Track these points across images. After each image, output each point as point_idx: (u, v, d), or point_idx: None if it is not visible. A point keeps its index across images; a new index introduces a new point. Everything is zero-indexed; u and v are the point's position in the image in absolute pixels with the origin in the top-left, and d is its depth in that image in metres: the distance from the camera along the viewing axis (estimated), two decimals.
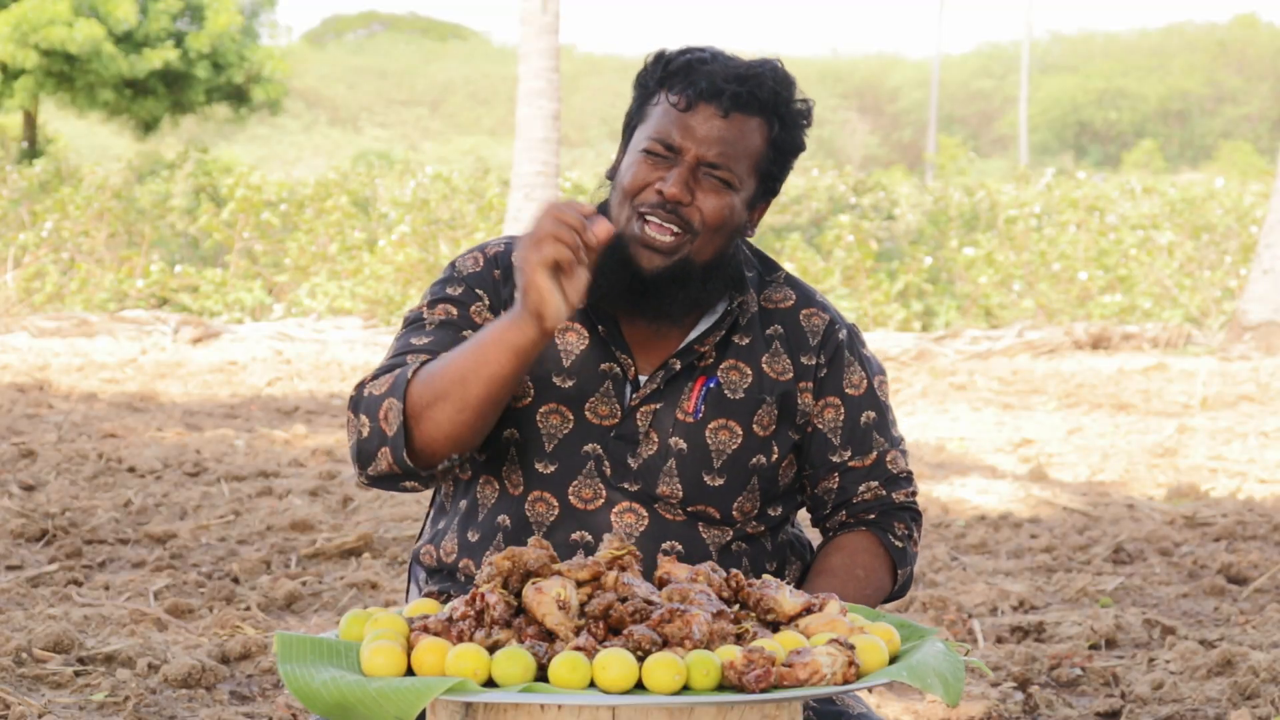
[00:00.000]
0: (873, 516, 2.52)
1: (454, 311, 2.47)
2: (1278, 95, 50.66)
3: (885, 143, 52.29)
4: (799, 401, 2.50)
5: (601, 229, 2.17)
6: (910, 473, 2.56)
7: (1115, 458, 8.44)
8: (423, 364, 2.34)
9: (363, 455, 2.36)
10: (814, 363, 2.51)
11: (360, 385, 2.41)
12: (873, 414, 2.53)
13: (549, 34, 14.55)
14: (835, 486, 2.52)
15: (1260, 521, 6.43)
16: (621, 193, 2.42)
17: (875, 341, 14.85)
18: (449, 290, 2.50)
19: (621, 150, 2.48)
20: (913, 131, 52.57)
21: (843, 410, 2.52)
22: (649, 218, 2.39)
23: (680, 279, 2.40)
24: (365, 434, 2.35)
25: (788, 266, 16.76)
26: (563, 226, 2.15)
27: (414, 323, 2.49)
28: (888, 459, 2.53)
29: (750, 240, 2.59)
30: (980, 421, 10.05)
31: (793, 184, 20.05)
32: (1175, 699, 4.07)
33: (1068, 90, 51.32)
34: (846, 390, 2.53)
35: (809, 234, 18.90)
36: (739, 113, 2.39)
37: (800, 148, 2.48)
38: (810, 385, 2.51)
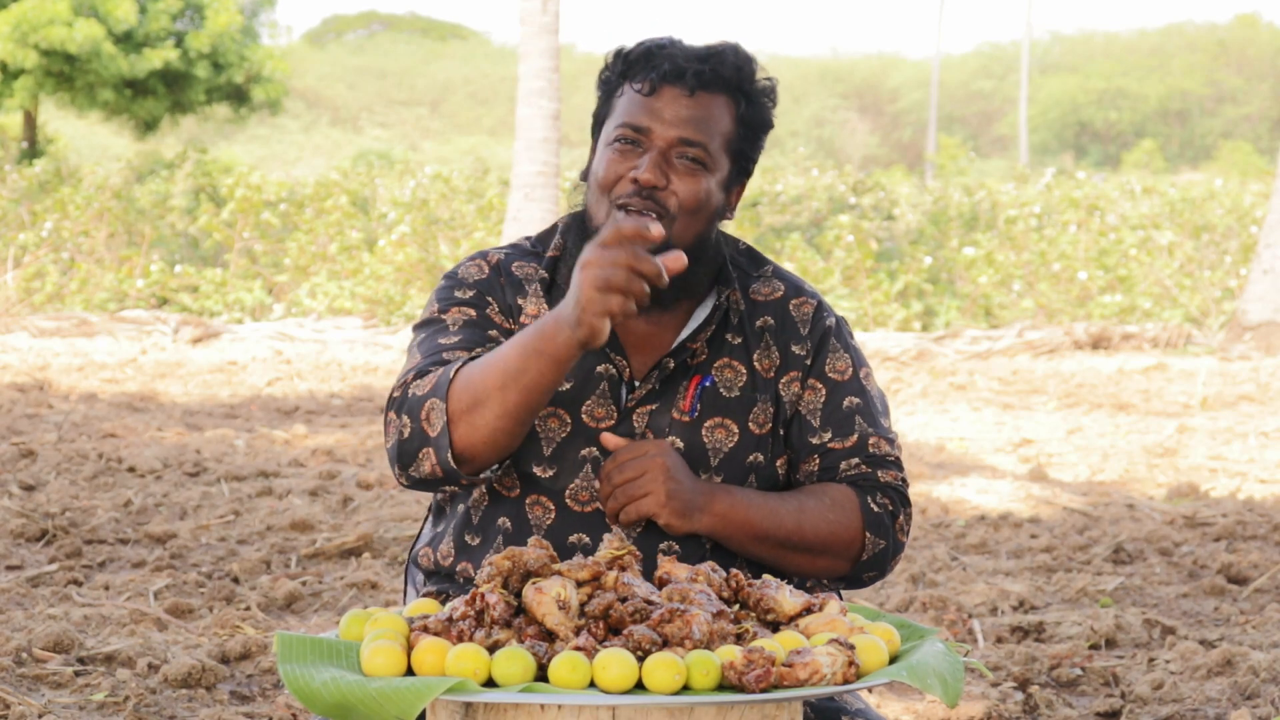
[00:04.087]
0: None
1: (471, 313, 2.47)
2: (1278, 95, 50.65)
3: (885, 143, 52.30)
4: (785, 394, 2.49)
5: (673, 264, 2.14)
6: (899, 460, 2.49)
7: (1115, 458, 8.43)
8: (464, 364, 2.33)
9: (404, 455, 2.34)
10: (804, 351, 2.51)
11: (403, 386, 2.37)
12: (857, 400, 2.49)
13: (549, 34, 14.54)
14: (816, 468, 2.47)
15: (1260, 521, 6.43)
16: (597, 188, 2.43)
17: (875, 341, 14.85)
18: (458, 294, 2.49)
19: (592, 151, 2.49)
20: (913, 131, 52.57)
21: (823, 392, 2.49)
22: (628, 208, 2.40)
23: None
24: (406, 434, 2.33)
25: (787, 266, 16.76)
26: (636, 280, 2.11)
27: (432, 324, 2.47)
28: (870, 441, 2.47)
29: (747, 239, 2.60)
30: (980, 421, 10.05)
31: (793, 184, 20.04)
32: (1175, 699, 4.07)
33: (1068, 90, 51.32)
34: (829, 374, 2.50)
35: (809, 234, 18.90)
36: (704, 91, 2.40)
37: (769, 124, 2.48)
38: (799, 375, 2.50)
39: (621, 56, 2.45)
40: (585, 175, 2.48)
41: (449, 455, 2.30)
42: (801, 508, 2.40)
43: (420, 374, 2.37)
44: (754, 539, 2.38)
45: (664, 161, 2.39)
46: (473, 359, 2.35)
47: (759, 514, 2.37)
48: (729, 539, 2.38)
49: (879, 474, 2.46)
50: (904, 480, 2.48)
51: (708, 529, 2.36)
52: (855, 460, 2.46)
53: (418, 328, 2.49)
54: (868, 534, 2.42)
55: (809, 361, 2.51)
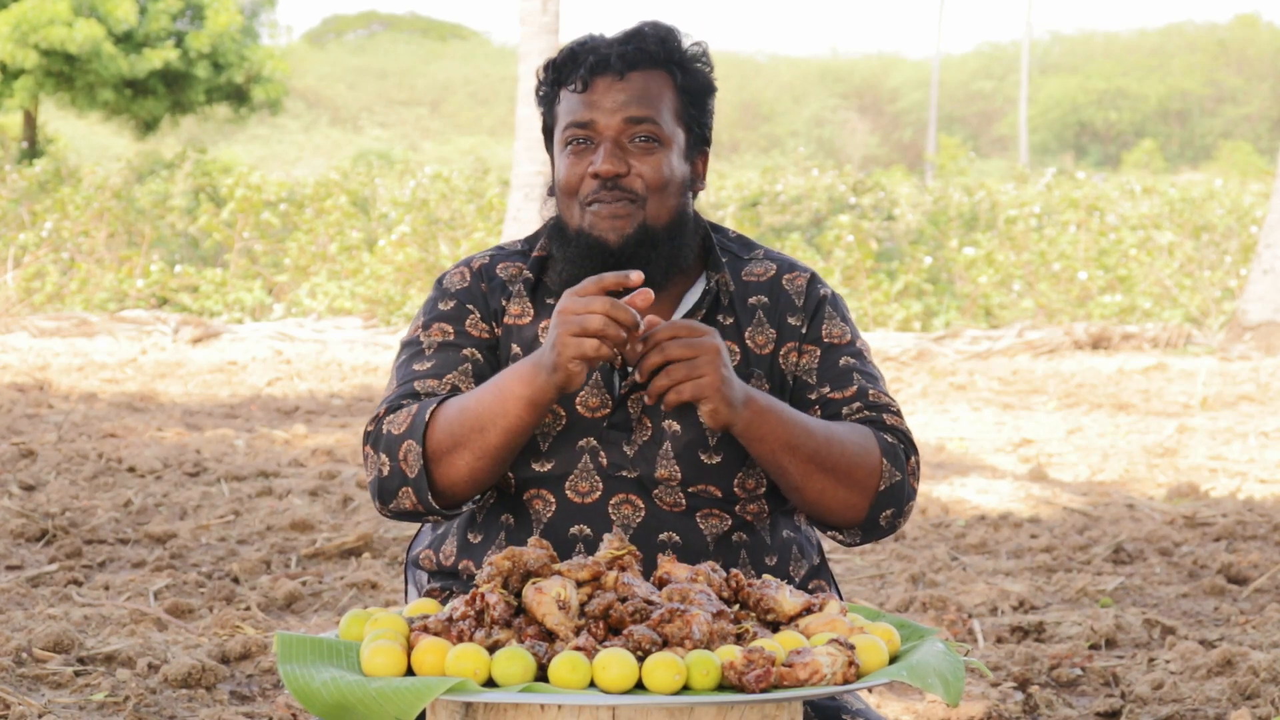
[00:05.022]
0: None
1: (450, 329, 2.50)
2: (1278, 95, 50.65)
3: (885, 143, 52.29)
4: (785, 366, 2.50)
5: (642, 302, 2.22)
6: (900, 412, 2.48)
7: (1115, 458, 8.43)
8: (440, 402, 2.36)
9: (384, 493, 2.39)
10: (799, 321, 2.52)
11: (376, 420, 2.41)
12: (853, 360, 2.50)
13: (549, 34, 14.54)
14: (819, 417, 2.47)
15: (1260, 521, 6.43)
16: (563, 193, 2.46)
17: (875, 341, 14.84)
18: (441, 306, 2.53)
19: (553, 164, 2.52)
20: (913, 131, 52.56)
21: (818, 354, 2.50)
22: (598, 203, 2.42)
23: (647, 243, 2.43)
24: (386, 473, 2.38)
25: None
26: (613, 325, 2.18)
27: (412, 346, 2.51)
28: (870, 393, 2.47)
29: (740, 230, 2.62)
30: (980, 421, 10.05)
31: (793, 184, 20.03)
32: (1175, 699, 4.07)
33: (1068, 90, 51.31)
34: (825, 339, 2.52)
35: (809, 234, 18.89)
36: (635, 71, 2.43)
37: (711, 87, 2.50)
38: (795, 344, 2.51)
39: (550, 66, 2.48)
40: (553, 189, 2.51)
41: (429, 495, 2.35)
42: (828, 426, 2.38)
43: (392, 409, 2.41)
44: (785, 446, 2.33)
45: (618, 149, 2.42)
46: (447, 397, 2.38)
47: (791, 420, 2.33)
48: (761, 440, 2.32)
49: (884, 418, 2.45)
50: (908, 431, 2.47)
51: (744, 425, 2.30)
52: (857, 405, 2.46)
53: (402, 345, 2.54)
54: (885, 461, 2.39)
55: (804, 330, 2.52)
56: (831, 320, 2.53)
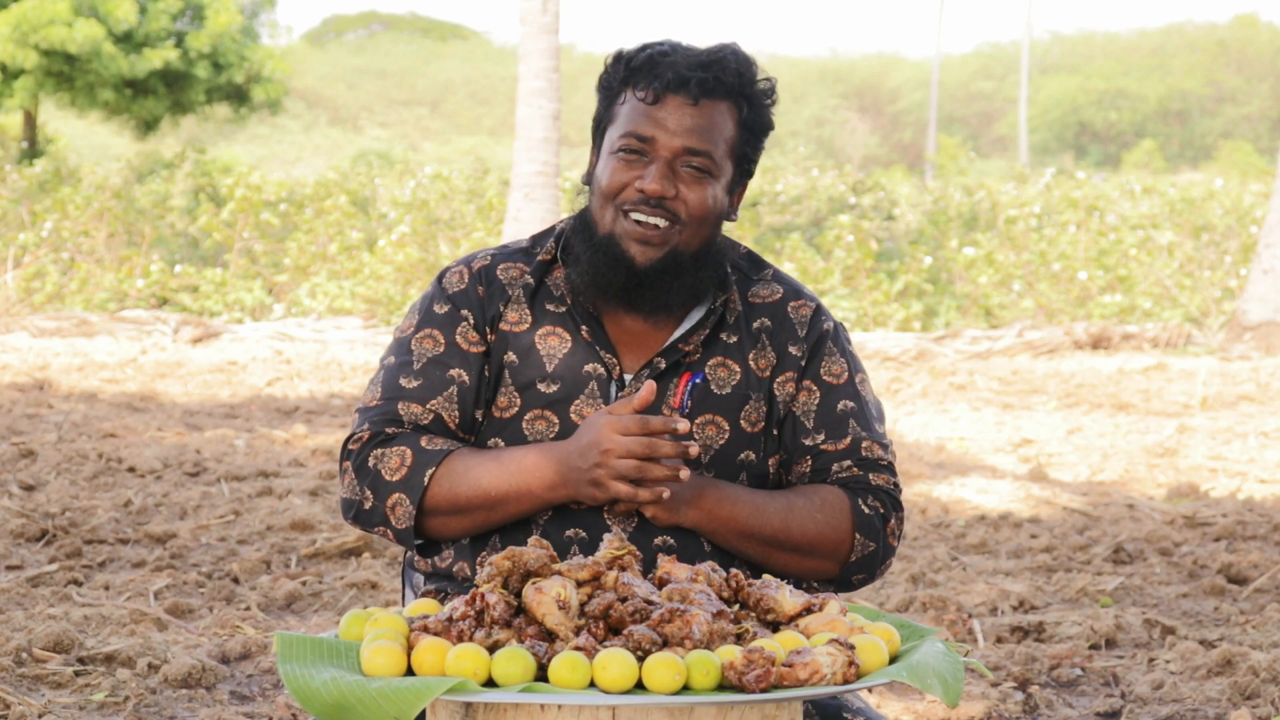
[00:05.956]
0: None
1: (440, 340, 2.49)
2: (1278, 95, 50.64)
3: (885, 143, 52.29)
4: (779, 394, 2.50)
5: (682, 427, 2.31)
6: (891, 465, 2.49)
7: (1115, 458, 8.43)
8: (440, 460, 2.38)
9: (360, 519, 2.43)
10: (800, 353, 2.52)
11: (361, 443, 2.43)
12: (851, 404, 2.50)
13: (549, 34, 14.54)
14: (808, 470, 2.48)
15: (1260, 521, 6.43)
16: (602, 195, 2.44)
17: (875, 341, 14.85)
18: (436, 309, 2.51)
19: (594, 154, 2.50)
20: (913, 131, 52.56)
21: (818, 394, 2.50)
22: (634, 214, 2.41)
23: (672, 270, 2.42)
24: (367, 507, 2.42)
25: (787, 267, 16.76)
26: (653, 470, 2.29)
27: (402, 350, 2.50)
28: (863, 445, 2.48)
29: (747, 240, 2.62)
30: (980, 421, 10.05)
31: (793, 184, 20.03)
32: (1175, 699, 4.07)
33: (1068, 90, 51.32)
34: (824, 377, 2.51)
35: (809, 234, 18.89)
36: (707, 99, 2.41)
37: (770, 126, 2.49)
38: (794, 375, 2.50)
39: (623, 61, 2.44)
40: (588, 179, 2.49)
41: (412, 541, 2.42)
42: (790, 506, 2.40)
43: (377, 434, 2.43)
44: (739, 535, 2.38)
45: (670, 171, 2.40)
46: (445, 452, 2.39)
47: (745, 511, 2.38)
48: (714, 534, 2.39)
49: (870, 477, 2.46)
50: (896, 485, 2.48)
51: (693, 523, 2.37)
52: (847, 463, 2.47)
53: (395, 341, 2.54)
54: (857, 535, 2.42)
55: (804, 363, 2.52)
56: (832, 357, 2.53)
